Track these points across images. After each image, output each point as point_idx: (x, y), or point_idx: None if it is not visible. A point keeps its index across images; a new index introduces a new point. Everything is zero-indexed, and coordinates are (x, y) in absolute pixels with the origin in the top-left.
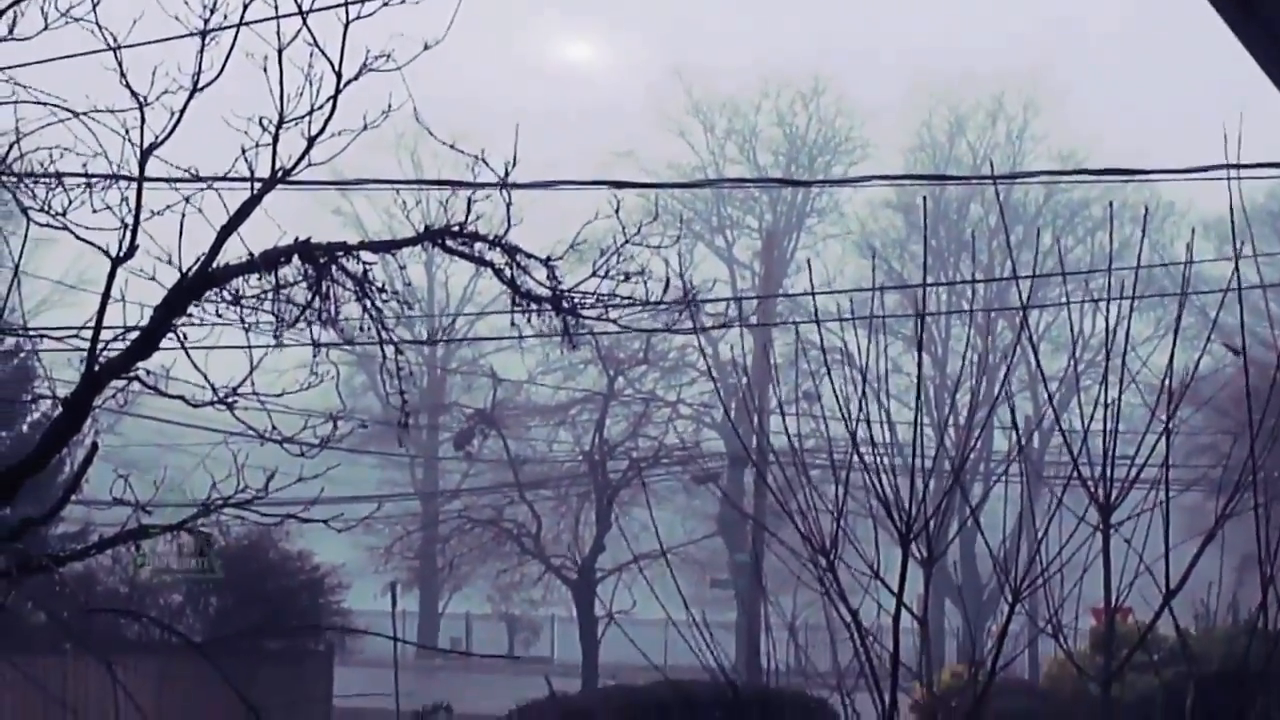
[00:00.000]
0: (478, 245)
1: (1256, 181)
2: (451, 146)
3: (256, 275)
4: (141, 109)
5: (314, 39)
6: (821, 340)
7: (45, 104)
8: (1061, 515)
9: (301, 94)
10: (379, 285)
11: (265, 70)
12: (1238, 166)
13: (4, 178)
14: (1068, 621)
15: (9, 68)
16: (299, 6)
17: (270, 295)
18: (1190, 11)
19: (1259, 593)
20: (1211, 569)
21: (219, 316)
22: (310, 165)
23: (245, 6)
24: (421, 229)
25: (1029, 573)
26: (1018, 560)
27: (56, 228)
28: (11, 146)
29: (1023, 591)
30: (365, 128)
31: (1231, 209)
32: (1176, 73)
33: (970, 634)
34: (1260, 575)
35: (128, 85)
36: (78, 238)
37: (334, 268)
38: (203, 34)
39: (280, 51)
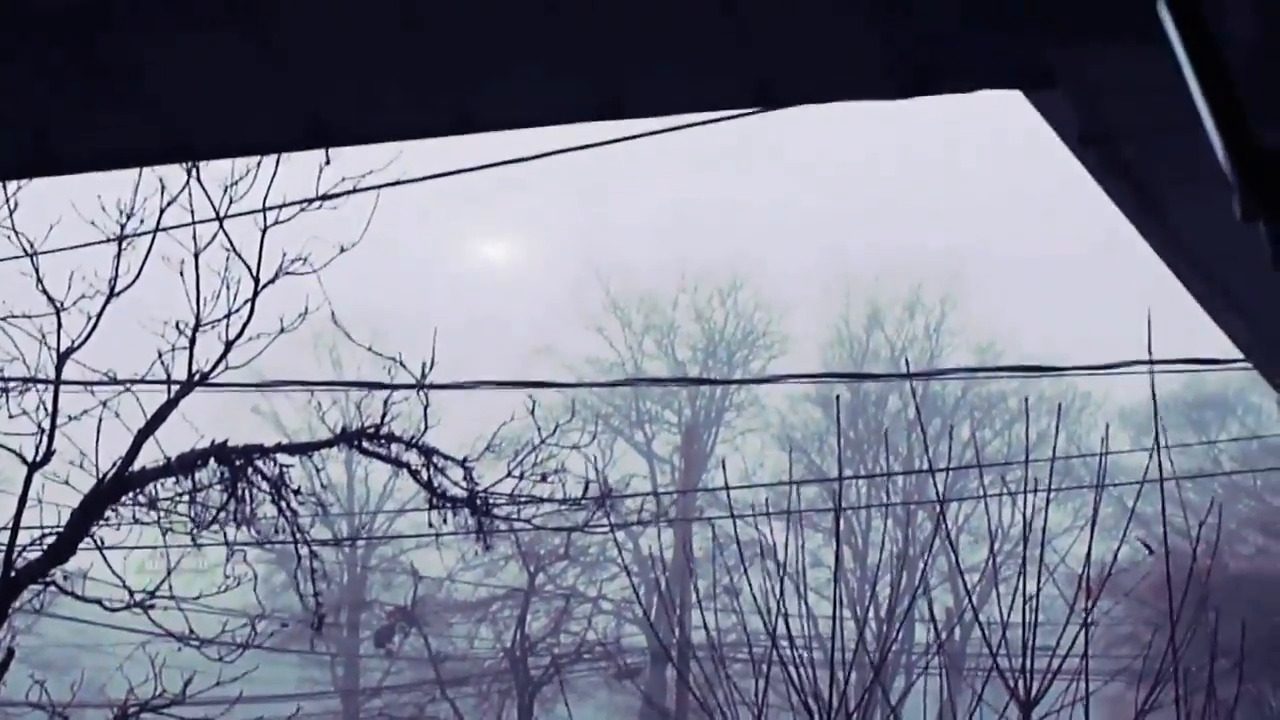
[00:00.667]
0: (394, 447)
1: (1172, 372)
2: (369, 349)
3: (173, 478)
4: (58, 314)
5: (231, 244)
6: (737, 535)
7: None
8: (982, 710)
9: (218, 297)
10: (295, 487)
11: (182, 275)
12: (1152, 362)
13: None
14: None
15: None
16: (216, 212)
17: (187, 498)
18: (1101, 212)
19: None
20: None
21: (135, 520)
22: (228, 369)
23: (161, 212)
24: (338, 431)
25: None
26: None
27: None
28: None
29: None
30: (282, 331)
31: (1155, 400)
32: (1090, 267)
33: None
34: None
35: (44, 291)
36: None
37: (250, 470)
38: (119, 239)
39: (197, 256)
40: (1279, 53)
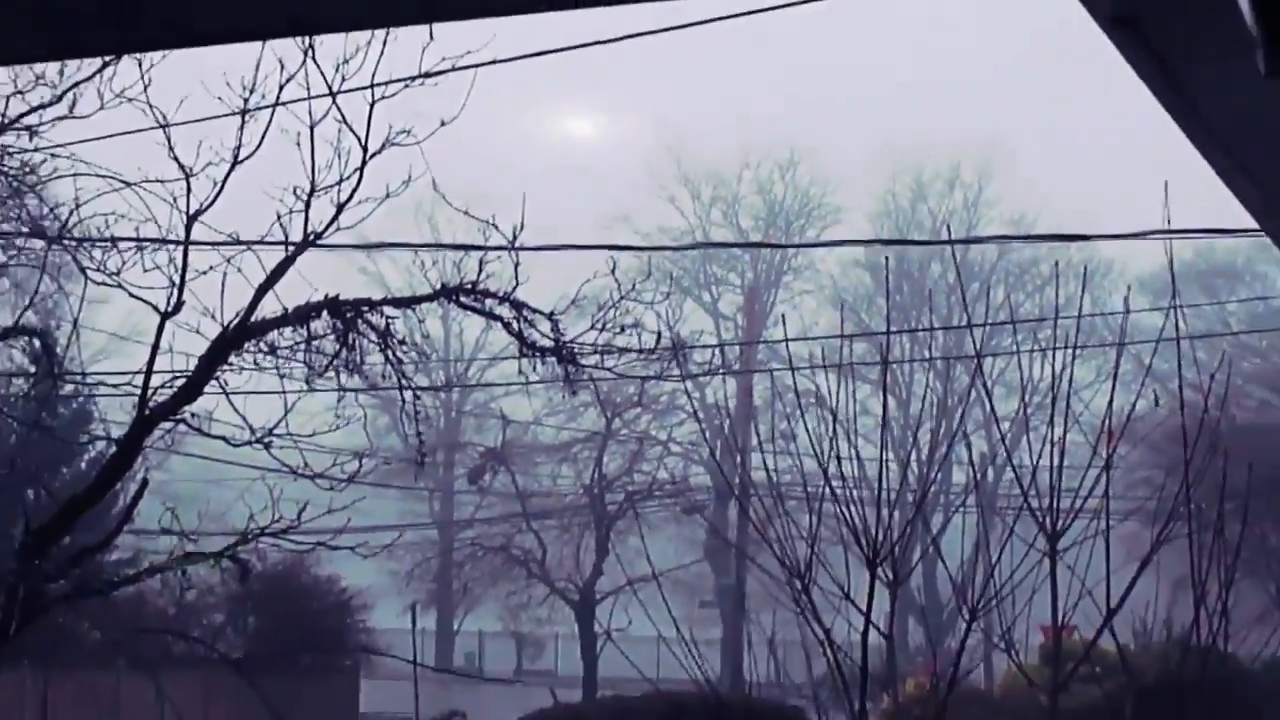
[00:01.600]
0: (488, 301)
1: (1185, 241)
2: (465, 213)
3: (290, 328)
4: (188, 179)
5: (343, 116)
6: (795, 386)
7: (101, 175)
8: (1013, 543)
9: (331, 166)
10: (400, 337)
11: (298, 145)
12: (1170, 232)
13: (65, 242)
14: (1019, 637)
15: (69, 144)
16: (329, 88)
17: (302, 346)
18: (1127, 88)
19: (1191, 611)
20: (1148, 590)
21: (256, 365)
22: (339, 229)
23: (281, 88)
24: (438, 287)
25: (984, 594)
26: (974, 583)
27: (111, 286)
28: (71, 214)
29: (979, 611)
30: (388, 195)
31: (1172, 269)
32: (1115, 140)
33: (932, 649)
34: (1192, 595)
35: (175, 158)
36: (131, 295)
37: (359, 322)
38: (243, 113)
39: (312, 128)
40: None
